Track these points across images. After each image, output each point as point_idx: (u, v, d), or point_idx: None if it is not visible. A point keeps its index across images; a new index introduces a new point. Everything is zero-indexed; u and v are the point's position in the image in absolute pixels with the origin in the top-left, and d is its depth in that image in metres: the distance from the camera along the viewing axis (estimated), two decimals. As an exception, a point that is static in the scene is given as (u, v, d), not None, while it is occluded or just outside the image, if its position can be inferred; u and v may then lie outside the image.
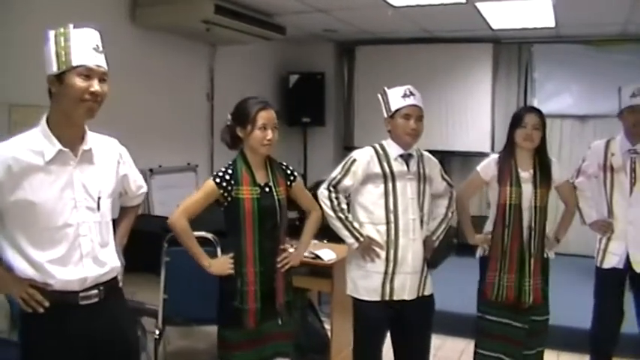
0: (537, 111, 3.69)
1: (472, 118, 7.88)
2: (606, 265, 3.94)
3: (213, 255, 3.25)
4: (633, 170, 3.83)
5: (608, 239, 3.94)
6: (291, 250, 3.26)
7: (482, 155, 7.84)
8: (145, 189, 2.87)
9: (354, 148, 8.37)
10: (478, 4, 5.89)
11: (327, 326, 4.56)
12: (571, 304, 4.33)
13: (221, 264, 3.06)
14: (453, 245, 7.28)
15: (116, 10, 5.25)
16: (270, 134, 2.98)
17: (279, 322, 3.10)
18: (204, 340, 4.84)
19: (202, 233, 3.60)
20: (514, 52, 8.11)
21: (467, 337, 4.63)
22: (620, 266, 3.87)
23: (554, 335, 4.02)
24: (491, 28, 7.06)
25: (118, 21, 5.24)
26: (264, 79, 7.86)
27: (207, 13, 5.22)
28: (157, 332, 3.96)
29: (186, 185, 5.96)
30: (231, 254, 3.03)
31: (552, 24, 6.74)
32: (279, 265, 3.09)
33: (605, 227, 3.95)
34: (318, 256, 4.30)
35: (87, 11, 4.49)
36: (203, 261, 3.08)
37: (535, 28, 7.05)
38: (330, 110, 8.33)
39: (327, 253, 4.31)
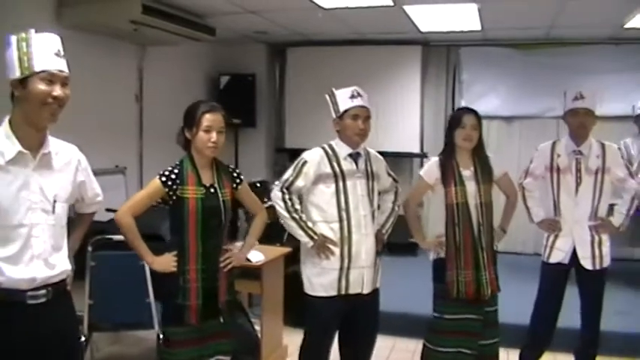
0: (474, 112, 3.80)
1: (402, 119, 7.98)
2: (552, 260, 4.08)
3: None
4: (578, 170, 3.97)
5: (556, 236, 4.08)
6: (235, 250, 3.34)
7: (412, 156, 8.03)
8: (101, 197, 2.92)
9: (286, 149, 8.42)
10: (406, 7, 5.97)
11: (258, 327, 4.56)
12: (518, 302, 4.47)
13: (165, 261, 3.10)
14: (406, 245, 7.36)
15: (41, 10, 5.09)
16: (214, 137, 3.07)
17: (221, 320, 3.17)
18: (136, 346, 4.79)
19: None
20: (442, 54, 8.26)
21: (417, 338, 4.67)
22: (566, 262, 4.03)
23: (506, 333, 4.11)
24: (419, 31, 7.17)
25: (44, 20, 5.08)
26: (195, 80, 7.80)
27: (135, 13, 5.14)
28: (83, 338, 3.89)
29: (115, 188, 5.84)
30: (175, 252, 3.08)
31: (479, 27, 6.90)
32: (222, 265, 3.16)
33: (552, 226, 4.09)
34: (247, 258, 4.29)
35: (11, 10, 4.39)
36: (147, 257, 3.13)
37: (462, 32, 7.19)
38: (262, 112, 8.31)
39: (256, 255, 4.33)
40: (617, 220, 4.03)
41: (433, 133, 8.04)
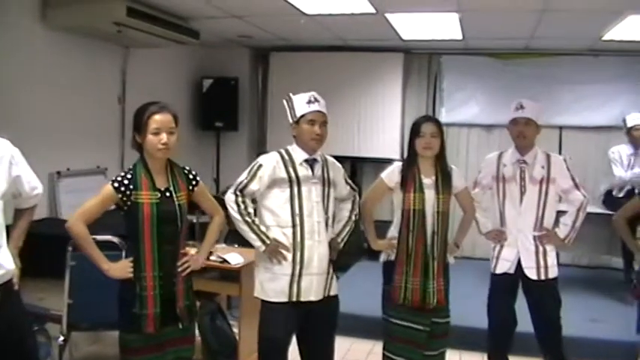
0: (434, 120, 3.84)
1: (383, 125, 8.03)
2: (499, 270, 4.10)
3: (118, 259, 3.21)
4: (522, 180, 3.99)
5: (501, 247, 4.10)
6: (193, 253, 3.29)
7: (393, 162, 8.06)
8: (39, 190, 2.87)
9: (268, 153, 8.35)
10: (388, 15, 6.02)
11: (236, 330, 4.59)
12: (472, 305, 4.52)
13: (121, 267, 3.03)
14: (363, 250, 7.40)
15: (26, 11, 5.10)
16: (164, 138, 2.97)
17: (180, 326, 3.11)
18: (114, 345, 4.75)
19: (108, 237, 3.58)
20: (424, 62, 8.31)
21: (372, 339, 4.73)
22: (512, 271, 4.04)
23: (457, 335, 4.20)
24: (401, 39, 7.22)
25: (29, 22, 5.11)
26: (178, 83, 7.81)
27: (119, 15, 5.14)
28: (62, 338, 3.90)
29: (95, 189, 5.77)
30: (131, 258, 3.02)
31: (460, 36, 6.96)
32: (179, 270, 3.10)
33: (498, 236, 4.12)
34: (225, 260, 4.33)
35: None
36: (102, 264, 3.04)
37: (444, 40, 7.24)
38: (244, 115, 8.33)
39: (235, 257, 4.36)
40: (562, 232, 4.03)
41: (413, 141, 8.08)
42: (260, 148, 8.63)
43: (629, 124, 6.47)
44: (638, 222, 4.28)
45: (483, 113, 8.04)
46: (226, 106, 8.03)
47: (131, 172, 3.02)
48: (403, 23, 6.43)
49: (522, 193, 4.00)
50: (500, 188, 4.10)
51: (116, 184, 2.97)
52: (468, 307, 4.54)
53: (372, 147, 7.93)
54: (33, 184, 2.81)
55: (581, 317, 4.51)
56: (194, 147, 7.94)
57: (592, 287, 6.44)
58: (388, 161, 7.98)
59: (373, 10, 5.76)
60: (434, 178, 3.74)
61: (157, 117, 2.96)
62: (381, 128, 8.03)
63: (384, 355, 3.88)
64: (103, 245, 3.24)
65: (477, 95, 8.07)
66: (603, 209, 6.21)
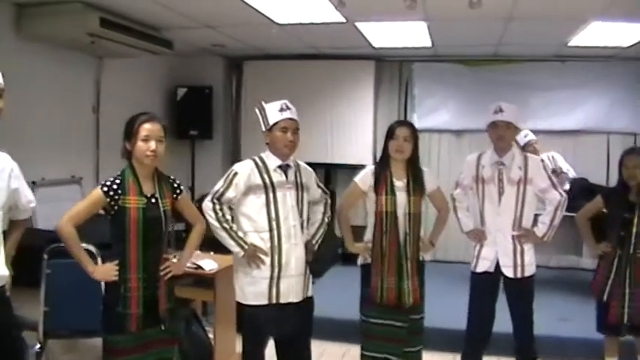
0: (409, 124, 3.95)
1: (355, 132, 8.11)
2: (479, 269, 4.21)
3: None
4: (500, 181, 4.11)
5: (481, 246, 4.22)
6: (174, 259, 3.39)
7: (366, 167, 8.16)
8: (34, 203, 2.99)
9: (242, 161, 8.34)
10: (358, 24, 6.12)
11: (212, 335, 4.63)
12: (447, 307, 4.63)
13: (106, 270, 3.15)
14: (338, 256, 7.52)
15: (0, 22, 5.15)
16: (153, 145, 3.11)
17: (162, 327, 3.21)
18: (90, 353, 4.79)
19: (83, 245, 3.63)
20: (395, 69, 8.43)
21: (346, 342, 4.79)
22: (492, 270, 4.16)
23: (431, 336, 4.30)
24: (372, 47, 7.32)
25: (3, 32, 5.14)
26: (152, 93, 7.82)
27: (93, 26, 5.19)
28: (38, 346, 3.93)
29: (71, 198, 5.84)
30: (116, 261, 3.12)
31: (429, 44, 7.08)
32: (162, 274, 3.21)
33: (478, 236, 4.23)
34: (200, 267, 4.39)
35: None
36: (88, 267, 3.16)
37: (414, 48, 7.37)
38: (218, 124, 8.37)
39: (209, 264, 4.41)
40: (540, 230, 4.15)
41: (385, 146, 8.18)
42: (234, 156, 8.66)
43: (522, 142, 6.63)
44: (598, 222, 4.41)
45: (453, 119, 8.18)
46: (201, 115, 8.06)
47: (119, 177, 3.15)
48: (373, 32, 6.54)
49: (501, 193, 4.11)
50: (479, 189, 4.21)
51: (105, 189, 3.10)
52: (440, 307, 4.65)
53: (346, 153, 8.00)
54: (29, 197, 2.94)
55: (550, 317, 4.62)
56: (169, 155, 7.78)
57: (560, 288, 6.56)
58: (361, 167, 8.02)
59: (343, 20, 5.85)
60: (405, 180, 3.86)
61: (147, 125, 3.13)
62: (353, 135, 8.10)
63: (362, 355, 3.97)
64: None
65: (448, 101, 8.20)
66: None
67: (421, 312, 3.97)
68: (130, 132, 3.14)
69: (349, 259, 6.86)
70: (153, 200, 3.18)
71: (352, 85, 8.16)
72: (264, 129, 3.69)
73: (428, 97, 8.24)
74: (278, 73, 8.20)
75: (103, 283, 3.24)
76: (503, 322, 4.20)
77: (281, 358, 3.83)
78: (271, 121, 3.63)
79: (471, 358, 4.38)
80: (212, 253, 4.63)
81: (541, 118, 7.66)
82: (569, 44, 6.80)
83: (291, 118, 3.63)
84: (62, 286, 3.86)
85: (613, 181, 7.46)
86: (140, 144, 3.11)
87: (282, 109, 3.63)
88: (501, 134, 4.11)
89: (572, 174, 6.84)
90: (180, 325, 4.55)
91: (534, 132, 6.86)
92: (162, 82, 8.06)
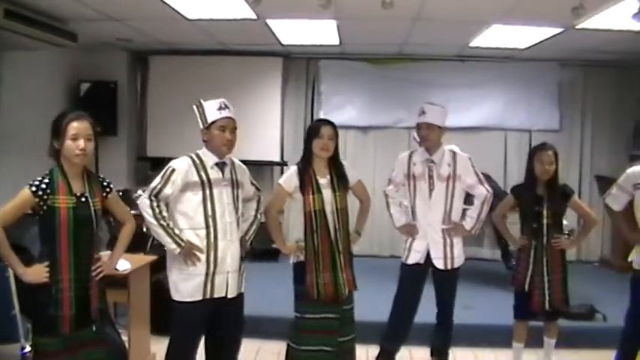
0: (331, 123, 4.05)
1: (263, 128, 8.14)
2: (410, 261, 4.43)
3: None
4: (431, 177, 4.34)
5: (413, 239, 4.43)
6: (105, 258, 3.36)
7: (273, 164, 8.22)
8: None
9: (148, 157, 8.30)
10: (269, 21, 6.17)
11: (125, 337, 4.55)
12: (378, 301, 4.76)
13: (36, 272, 3.07)
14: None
15: None
16: (82, 144, 3.07)
17: (93, 328, 3.19)
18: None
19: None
20: (302, 66, 8.54)
21: (282, 340, 4.80)
22: (422, 262, 4.39)
23: (364, 330, 4.41)
24: (281, 44, 7.39)
25: None
26: (55, 87, 7.56)
27: (-3, 17, 5.00)
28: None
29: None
30: (47, 262, 3.06)
31: (337, 42, 7.22)
32: (93, 274, 3.19)
33: (410, 230, 4.45)
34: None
35: None
36: (18, 269, 3.08)
37: (322, 45, 7.50)
38: (123, 120, 8.20)
39: (123, 264, 4.30)
40: (468, 224, 4.39)
41: (293, 143, 8.32)
42: (140, 153, 8.57)
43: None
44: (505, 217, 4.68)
45: (359, 116, 8.37)
46: (105, 111, 7.77)
47: (48, 176, 3.09)
48: (283, 29, 6.61)
49: (431, 189, 4.34)
50: (411, 185, 4.42)
51: (34, 188, 3.03)
52: (371, 301, 4.84)
53: (253, 150, 7.86)
54: None
55: (455, 305, 4.80)
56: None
57: (463, 277, 6.79)
58: (269, 164, 8.20)
59: (254, 16, 5.88)
60: (329, 177, 3.97)
61: (75, 124, 3.09)
62: (261, 131, 8.12)
63: (294, 349, 4.04)
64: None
65: (354, 99, 8.37)
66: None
67: (351, 302, 4.10)
68: (58, 131, 3.09)
69: (270, 255, 6.89)
70: (83, 199, 3.14)
71: (260, 81, 8.20)
72: (202, 127, 3.69)
73: (335, 94, 8.37)
74: (185, 68, 8.17)
75: (14, 287, 3.16)
76: (426, 313, 4.45)
77: (210, 358, 3.85)
78: (209, 119, 3.65)
79: (390, 343, 4.58)
80: (125, 253, 4.55)
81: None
82: (470, 45, 7.09)
83: (229, 117, 3.67)
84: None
85: (510, 175, 7.95)
86: (69, 143, 3.07)
87: (220, 108, 3.65)
88: (423, 135, 4.34)
89: None
90: (109, 326, 4.48)
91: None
92: (65, 77, 7.79)
